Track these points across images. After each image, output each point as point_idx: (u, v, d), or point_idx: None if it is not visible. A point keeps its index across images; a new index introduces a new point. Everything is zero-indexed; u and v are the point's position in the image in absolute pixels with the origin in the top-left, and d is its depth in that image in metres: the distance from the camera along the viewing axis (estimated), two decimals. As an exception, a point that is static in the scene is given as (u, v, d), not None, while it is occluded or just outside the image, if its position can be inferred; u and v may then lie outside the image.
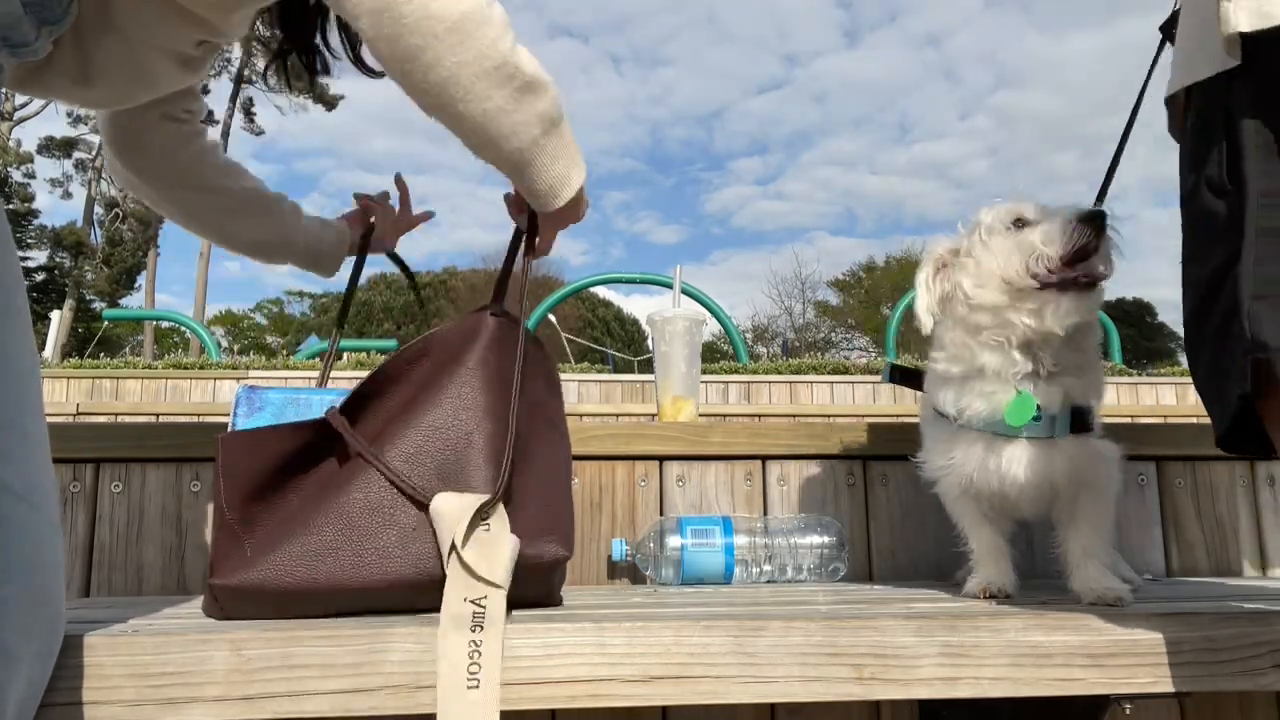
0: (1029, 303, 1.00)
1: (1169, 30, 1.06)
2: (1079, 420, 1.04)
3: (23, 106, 26.31)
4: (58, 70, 0.98)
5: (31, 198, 28.23)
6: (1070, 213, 0.99)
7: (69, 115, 27.37)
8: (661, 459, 1.43)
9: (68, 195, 29.54)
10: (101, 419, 4.08)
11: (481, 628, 0.81)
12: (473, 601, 0.83)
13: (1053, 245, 0.98)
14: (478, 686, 0.78)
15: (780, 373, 7.42)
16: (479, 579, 0.85)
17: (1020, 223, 1.02)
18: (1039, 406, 1.01)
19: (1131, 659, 0.84)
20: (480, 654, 0.79)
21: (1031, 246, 0.99)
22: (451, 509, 0.89)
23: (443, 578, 0.86)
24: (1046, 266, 0.98)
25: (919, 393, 1.20)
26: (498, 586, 0.84)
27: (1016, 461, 1.04)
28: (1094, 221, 0.97)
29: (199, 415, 5.21)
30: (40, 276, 28.77)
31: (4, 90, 0.93)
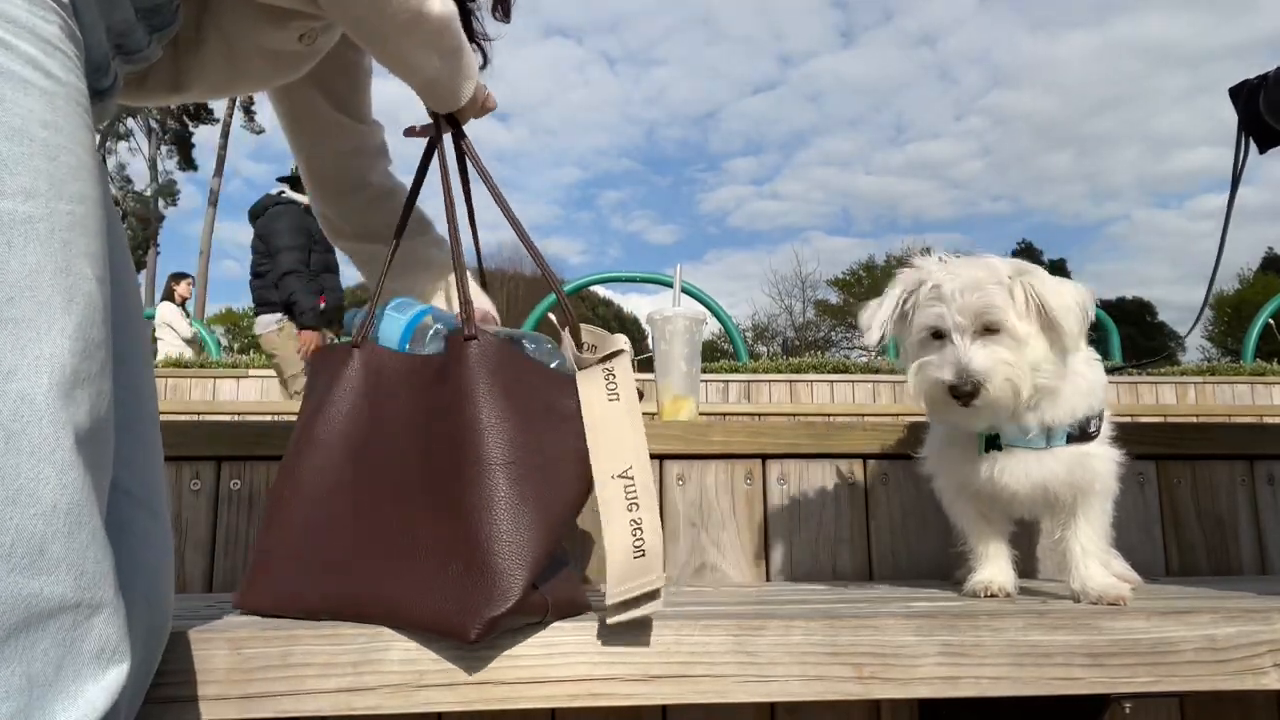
0: None
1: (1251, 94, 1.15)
2: (1079, 431, 1.05)
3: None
4: (154, 78, 0.98)
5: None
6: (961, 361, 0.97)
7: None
8: (661, 458, 1.43)
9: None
10: (101, 418, 4.06)
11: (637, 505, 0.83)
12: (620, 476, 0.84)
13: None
14: (643, 555, 0.80)
15: (780, 371, 7.42)
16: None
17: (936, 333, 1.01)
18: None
19: (1131, 659, 0.84)
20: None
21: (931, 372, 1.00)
22: None
23: None
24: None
25: None
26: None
27: (1008, 470, 1.05)
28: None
29: (199, 414, 5.22)
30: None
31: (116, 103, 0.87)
